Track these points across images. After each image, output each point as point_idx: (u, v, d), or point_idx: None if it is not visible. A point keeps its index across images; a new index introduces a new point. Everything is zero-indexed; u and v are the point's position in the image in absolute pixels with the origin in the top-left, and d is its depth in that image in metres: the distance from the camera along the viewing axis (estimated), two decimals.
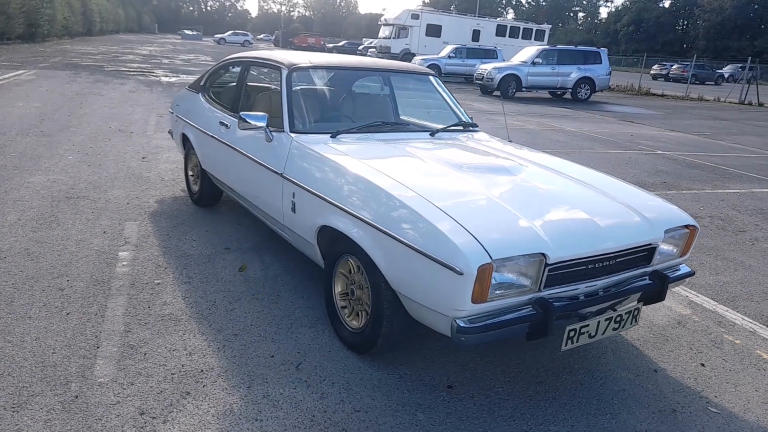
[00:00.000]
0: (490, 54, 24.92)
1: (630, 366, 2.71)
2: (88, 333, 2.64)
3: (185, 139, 4.72)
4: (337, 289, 2.77)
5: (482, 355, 2.70)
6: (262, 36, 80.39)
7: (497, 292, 2.05)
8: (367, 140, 3.18)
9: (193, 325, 2.78)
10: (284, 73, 3.41)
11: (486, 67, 18.95)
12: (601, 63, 19.17)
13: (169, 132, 5.40)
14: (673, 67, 41.81)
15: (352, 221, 2.44)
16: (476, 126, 3.80)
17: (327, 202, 2.62)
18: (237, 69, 4.18)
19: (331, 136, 3.12)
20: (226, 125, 3.82)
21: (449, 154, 3.15)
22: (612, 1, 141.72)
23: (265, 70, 3.81)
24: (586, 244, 2.22)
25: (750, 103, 23.22)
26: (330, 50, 50.60)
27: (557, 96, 19.87)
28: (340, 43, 53.95)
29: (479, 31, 30.51)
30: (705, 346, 2.96)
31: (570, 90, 18.90)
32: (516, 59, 19.35)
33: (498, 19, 38.07)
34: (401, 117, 4.03)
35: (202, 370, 2.42)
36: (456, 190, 2.45)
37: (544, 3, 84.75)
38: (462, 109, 3.98)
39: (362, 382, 2.42)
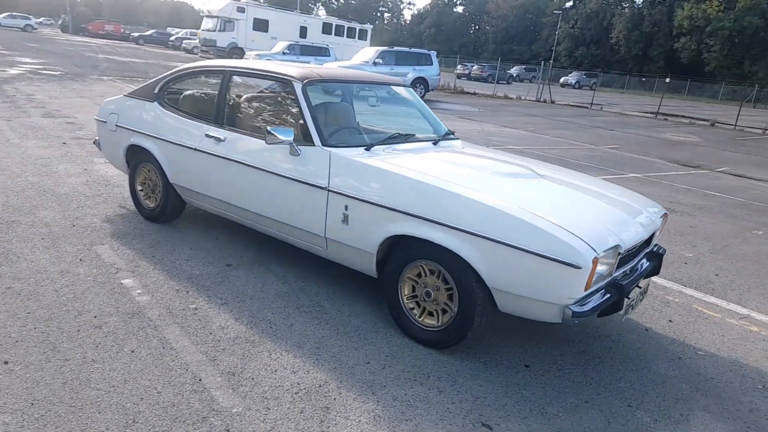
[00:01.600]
0: (322, 52, 25.46)
1: (631, 329, 3.40)
2: (175, 367, 2.51)
3: (133, 152, 4.37)
4: (405, 292, 2.99)
5: (541, 336, 3.15)
6: (41, 20, 68.60)
7: (593, 279, 2.51)
8: (398, 151, 3.41)
9: (271, 344, 2.79)
10: (298, 86, 3.46)
11: (330, 67, 19.46)
12: (432, 64, 20.90)
13: (95, 143, 4.90)
14: (474, 67, 46.56)
15: (441, 230, 2.70)
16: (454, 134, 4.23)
17: (401, 213, 2.82)
18: (212, 79, 4.04)
19: (365, 149, 3.29)
20: (218, 138, 3.70)
21: (477, 162, 3.55)
22: (414, 4, 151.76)
23: (265, 82, 3.78)
24: (634, 236, 2.81)
25: (545, 101, 27.10)
26: (137, 40, 46.64)
27: None
28: (147, 32, 50.03)
29: (306, 27, 30.82)
30: (661, 306, 3.79)
31: None
32: (357, 59, 20.13)
33: (323, 16, 38.76)
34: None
35: (320, 385, 2.49)
36: (527, 196, 2.85)
37: (353, 2, 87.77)
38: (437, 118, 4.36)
39: (462, 372, 2.71)
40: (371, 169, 3.04)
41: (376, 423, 2.28)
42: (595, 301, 2.55)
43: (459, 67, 49.48)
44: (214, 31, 28.87)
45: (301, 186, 3.25)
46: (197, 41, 32.51)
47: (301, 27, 30.56)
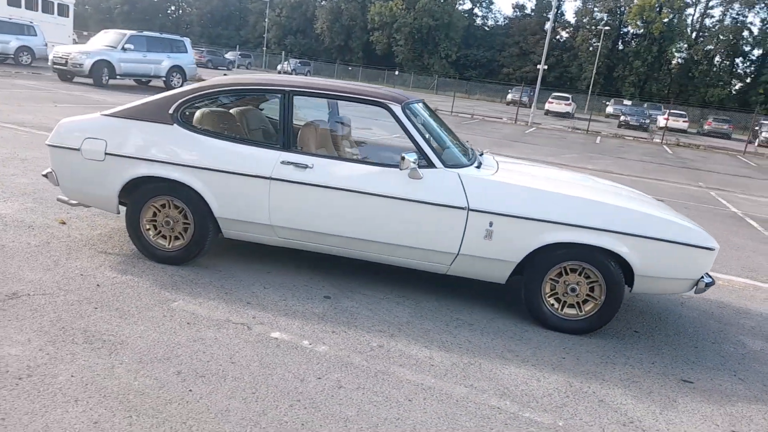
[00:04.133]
0: (24, 30, 21.37)
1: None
2: (492, 411, 2.56)
3: (139, 186, 3.65)
4: (546, 290, 3.47)
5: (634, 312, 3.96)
6: None
7: None
8: (499, 166, 3.80)
9: (476, 358, 2.98)
10: (397, 109, 3.53)
11: (69, 50, 16.70)
12: (186, 52, 19.60)
13: (45, 176, 3.82)
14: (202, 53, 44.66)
15: (595, 234, 3.27)
16: None
17: (554, 223, 3.29)
18: (268, 98, 3.69)
19: (476, 167, 3.60)
20: (302, 165, 3.47)
21: (558, 173, 4.19)
22: None
23: (348, 104, 3.65)
24: None
25: None
26: None
27: (143, 84, 19.22)
28: None
29: None
30: None
31: (164, 78, 18.66)
32: (99, 44, 17.60)
33: None
34: None
35: (590, 391, 2.86)
36: (627, 200, 3.61)
37: None
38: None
39: (614, 350, 3.36)
40: (516, 187, 3.40)
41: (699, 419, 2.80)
42: (707, 275, 3.48)
43: None
44: None
45: (431, 208, 3.38)
46: None
47: None
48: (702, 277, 3.36)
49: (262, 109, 4.32)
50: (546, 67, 25.95)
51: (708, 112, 42.55)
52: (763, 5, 50.95)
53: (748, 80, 51.89)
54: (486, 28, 65.30)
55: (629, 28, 53.70)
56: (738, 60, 52.94)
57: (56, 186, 3.85)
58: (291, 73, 53.10)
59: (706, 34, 53.32)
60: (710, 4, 53.07)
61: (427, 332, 3.24)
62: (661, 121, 34.53)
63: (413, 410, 2.45)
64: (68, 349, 2.59)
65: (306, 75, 42.47)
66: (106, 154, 3.64)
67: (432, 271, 3.60)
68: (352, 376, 2.66)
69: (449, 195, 3.37)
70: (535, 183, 3.50)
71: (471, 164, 3.59)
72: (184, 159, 3.57)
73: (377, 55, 63.28)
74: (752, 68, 52.45)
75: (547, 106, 36.18)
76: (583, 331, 3.46)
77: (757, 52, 52.28)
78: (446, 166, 3.45)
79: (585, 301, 3.45)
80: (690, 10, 53.02)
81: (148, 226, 3.76)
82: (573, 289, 3.43)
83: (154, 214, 3.74)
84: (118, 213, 3.85)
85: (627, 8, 52.52)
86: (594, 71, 46.38)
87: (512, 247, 3.36)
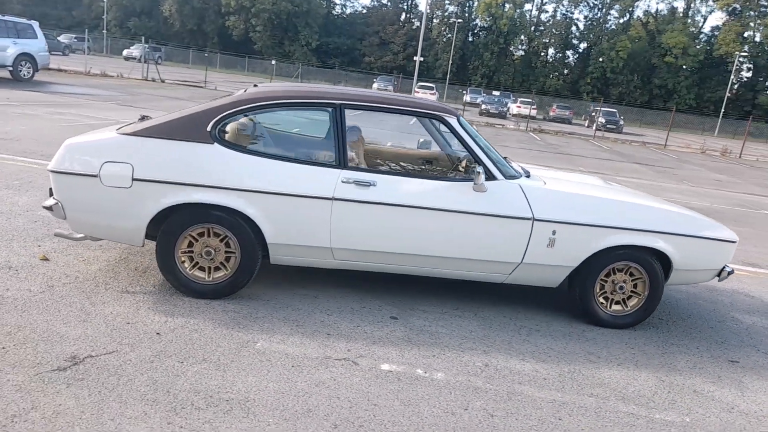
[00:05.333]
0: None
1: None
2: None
3: (174, 214, 3.23)
4: (597, 290, 3.70)
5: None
6: None
7: None
8: (543, 176, 3.93)
9: (571, 365, 3.12)
10: (453, 121, 3.52)
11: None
12: (36, 37, 17.19)
13: (50, 208, 3.20)
14: None
15: (646, 235, 3.56)
16: None
17: (612, 228, 3.52)
18: (316, 113, 3.44)
19: (526, 176, 3.70)
20: (364, 183, 3.32)
21: (581, 178, 4.39)
22: None
23: (400, 116, 3.51)
24: None
25: (154, 80, 25.78)
26: None
27: None
28: None
29: None
30: None
31: (10, 68, 16.21)
32: None
33: None
34: None
35: (680, 383, 3.10)
36: (659, 201, 3.95)
37: None
38: None
39: (662, 339, 3.70)
40: (574, 196, 3.57)
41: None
42: (727, 265, 3.93)
43: None
44: None
45: (498, 220, 3.43)
46: None
47: None
48: (724, 266, 3.81)
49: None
50: (422, 58, 26.86)
51: (549, 100, 47.12)
52: (585, 3, 57.40)
53: (577, 71, 58.23)
54: (345, 16, 65.66)
55: (479, 21, 57.39)
56: (569, 52, 59.16)
57: (62, 219, 3.25)
58: (140, 60, 48.86)
59: (542, 28, 58.81)
60: (544, 0, 58.57)
61: (509, 344, 3.30)
62: (514, 108, 37.65)
63: (572, 429, 2.51)
64: (200, 418, 2.25)
65: (157, 61, 38.98)
66: (133, 180, 3.15)
67: (488, 281, 3.66)
68: (492, 401, 2.65)
69: (515, 207, 3.44)
70: (587, 191, 3.70)
71: (522, 174, 3.69)
72: (232, 182, 3.22)
73: (234, 40, 60.71)
74: (580, 60, 58.94)
75: (414, 95, 37.50)
76: (630, 326, 3.75)
77: (583, 45, 58.86)
78: (505, 177, 3.51)
79: (629, 297, 3.74)
80: (528, 6, 58.06)
81: (183, 258, 3.33)
82: (621, 288, 3.70)
83: (190, 245, 3.33)
84: (143, 245, 3.37)
85: (476, 3, 56.03)
86: (450, 61, 48.94)
87: (572, 253, 3.53)
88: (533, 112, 37.74)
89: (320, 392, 2.54)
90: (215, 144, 3.25)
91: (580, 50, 59.09)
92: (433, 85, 39.45)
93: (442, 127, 3.55)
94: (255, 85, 3.56)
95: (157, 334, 2.89)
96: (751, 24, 53.51)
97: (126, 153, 3.17)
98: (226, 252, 3.36)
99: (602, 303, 3.73)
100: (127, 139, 3.21)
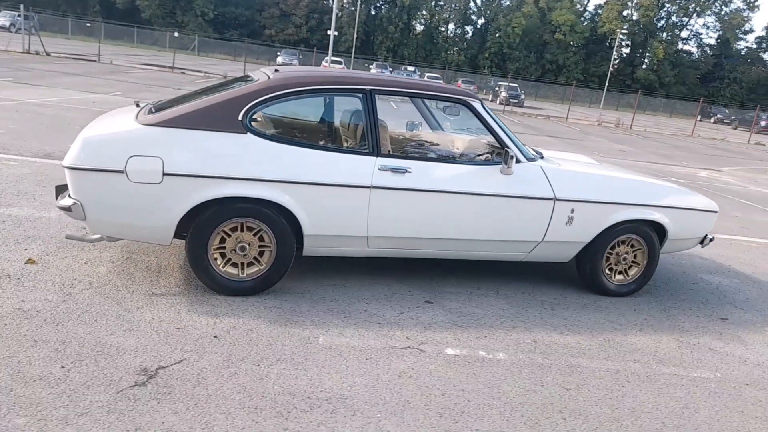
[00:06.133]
0: None
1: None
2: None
3: (201, 211, 3.05)
4: (604, 263, 3.97)
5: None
6: None
7: None
8: (555, 157, 4.09)
9: (604, 334, 3.36)
10: (478, 105, 3.59)
11: None
12: None
13: (67, 209, 2.89)
14: None
15: (650, 210, 3.85)
16: None
17: (622, 204, 3.78)
18: (347, 99, 3.35)
19: (541, 158, 3.86)
20: (400, 169, 3.32)
21: (582, 158, 4.59)
22: None
23: (430, 102, 3.50)
24: None
25: (37, 53, 23.35)
26: None
27: None
28: None
29: None
30: None
31: None
32: None
33: None
34: None
35: (695, 342, 3.42)
36: (654, 179, 4.27)
37: None
38: None
39: (659, 304, 4.06)
40: (590, 176, 3.79)
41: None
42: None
43: None
44: None
45: (524, 201, 3.58)
46: None
47: None
48: (706, 234, 4.23)
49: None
50: (336, 33, 26.39)
51: (453, 75, 48.35)
52: None
53: (476, 46, 60.10)
54: None
55: None
56: (468, 28, 60.81)
57: (81, 220, 2.96)
58: (10, 29, 43.65)
59: (442, 3, 59.84)
60: None
61: (542, 319, 3.48)
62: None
63: (638, 394, 2.72)
64: (311, 420, 2.19)
65: (31, 31, 35.07)
66: (164, 174, 2.92)
67: (510, 259, 3.81)
68: (560, 376, 2.80)
69: (538, 188, 3.59)
70: (596, 170, 3.94)
71: (539, 157, 3.84)
72: (268, 173, 3.08)
73: (119, 9, 56.18)
74: (478, 36, 60.82)
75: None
76: (632, 293, 4.07)
77: (480, 21, 60.72)
78: (527, 159, 3.64)
79: (630, 267, 4.05)
80: None
81: (215, 255, 3.16)
82: (624, 259, 4.00)
83: (222, 240, 3.16)
84: (170, 244, 3.15)
85: None
86: (355, 35, 48.58)
87: (587, 229, 3.76)
88: None
89: (407, 383, 2.56)
90: (248, 134, 3.08)
91: (478, 26, 60.93)
92: (341, 60, 39.04)
93: (466, 111, 3.59)
94: (276, 70, 3.39)
95: (215, 337, 2.74)
96: (629, 3, 57.90)
97: (154, 146, 2.93)
98: (259, 246, 3.23)
99: (608, 274, 4.01)
100: (154, 130, 2.96)
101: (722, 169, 14.36)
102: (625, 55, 60.23)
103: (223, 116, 3.06)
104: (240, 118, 3.08)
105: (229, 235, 3.16)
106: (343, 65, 37.58)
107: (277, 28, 56.51)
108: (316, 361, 2.64)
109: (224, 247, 3.17)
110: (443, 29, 59.52)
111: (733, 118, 44.35)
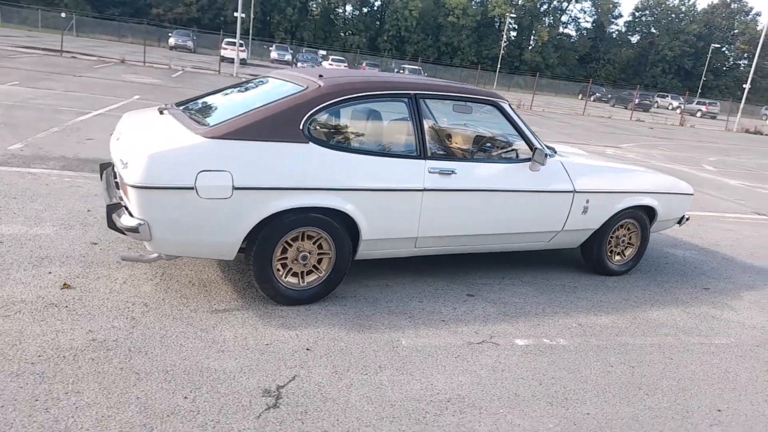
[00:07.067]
0: None
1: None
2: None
3: (266, 222, 3.01)
4: (607, 245, 4.37)
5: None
6: None
7: None
8: (564, 151, 4.38)
9: (625, 312, 3.74)
10: (506, 105, 3.79)
11: None
12: None
13: (131, 230, 2.72)
14: None
15: (648, 196, 4.27)
16: None
17: (628, 193, 4.17)
18: (393, 104, 3.40)
19: (555, 153, 4.15)
20: (446, 171, 3.45)
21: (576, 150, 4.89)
22: None
23: (463, 103, 3.63)
24: None
25: None
26: None
27: None
28: None
29: None
30: None
31: None
32: None
33: None
34: None
35: (698, 311, 3.87)
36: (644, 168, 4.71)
37: None
38: None
39: (651, 278, 4.53)
40: (601, 168, 4.14)
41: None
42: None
43: None
44: None
45: (550, 195, 3.85)
46: None
47: None
48: (684, 214, 4.76)
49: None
50: (243, 15, 25.34)
51: (354, 57, 48.29)
52: None
53: (375, 29, 60.34)
54: None
55: None
56: (365, 9, 60.79)
57: (146, 242, 2.79)
58: None
59: None
60: None
61: (572, 303, 3.78)
62: (326, 66, 38.02)
63: (686, 364, 3.10)
64: (449, 422, 2.30)
65: None
66: (234, 189, 2.83)
67: (532, 249, 4.08)
68: (620, 355, 3.11)
69: (561, 182, 3.88)
70: (602, 162, 4.30)
71: (554, 151, 4.12)
72: (333, 182, 3.08)
73: None
74: (377, 18, 61.06)
75: (222, 52, 35.35)
76: (628, 271, 4.51)
77: (378, 3, 60.95)
78: (550, 156, 3.91)
79: (626, 248, 4.48)
80: None
81: (278, 266, 3.12)
82: (623, 241, 4.42)
83: (283, 251, 3.13)
84: (233, 259, 3.06)
85: None
86: (252, 15, 46.91)
87: (598, 217, 4.11)
88: None
89: (503, 377, 2.73)
90: (309, 143, 3.05)
91: (375, 8, 61.13)
92: (243, 42, 37.58)
93: (495, 112, 3.76)
94: (320, 76, 3.35)
95: (307, 350, 2.74)
96: None
97: (222, 159, 2.82)
98: (318, 254, 3.23)
99: (609, 256, 4.42)
100: (219, 143, 2.84)
101: (622, 146, 15.75)
102: (513, 38, 63.31)
103: (285, 126, 3.00)
104: (301, 127, 3.04)
105: (291, 245, 3.13)
106: (244, 47, 36.25)
107: (165, 6, 52.97)
108: (414, 364, 2.73)
109: (286, 258, 3.14)
110: (340, 11, 59.07)
111: (610, 96, 48.46)
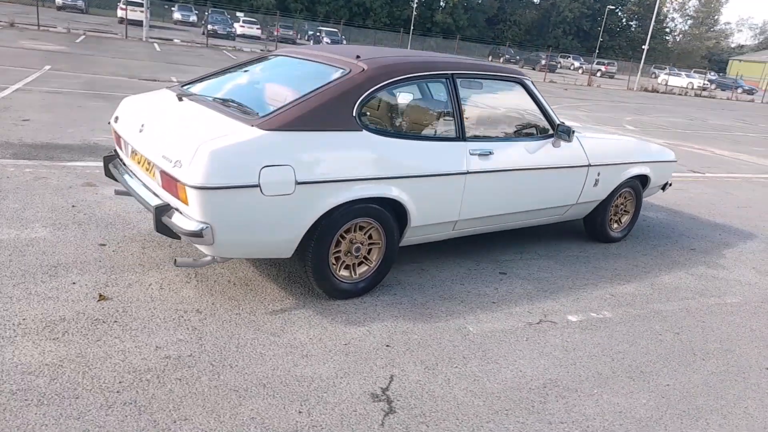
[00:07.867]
0: None
1: None
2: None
3: (337, 215, 2.87)
4: (609, 216, 4.56)
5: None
6: None
7: None
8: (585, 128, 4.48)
9: (643, 280, 3.96)
10: (529, 82, 3.80)
11: None
12: None
13: (195, 234, 2.48)
14: None
15: (646, 166, 4.49)
16: None
17: (632, 163, 4.36)
18: (433, 84, 3.30)
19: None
20: (485, 153, 3.42)
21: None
22: None
23: (486, 82, 3.57)
24: None
25: None
26: None
27: None
28: None
29: None
30: None
31: None
32: None
33: None
34: None
35: (698, 273, 4.15)
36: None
37: None
38: None
39: (642, 245, 4.80)
40: (612, 140, 4.30)
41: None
42: None
43: None
44: None
45: (570, 170, 3.95)
46: None
47: None
48: (667, 181, 5.06)
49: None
50: None
51: (263, 18, 46.28)
52: None
53: None
54: None
55: None
56: None
57: (208, 246, 2.56)
58: None
59: None
60: None
61: (594, 274, 3.93)
62: (238, 29, 36.22)
63: (715, 324, 3.34)
64: (548, 410, 2.35)
65: None
66: (296, 183, 2.65)
67: (549, 222, 4.18)
68: (663, 323, 3.28)
69: (579, 157, 3.97)
70: (608, 135, 4.43)
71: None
72: (388, 170, 2.96)
73: None
74: None
75: (119, 13, 32.60)
76: (625, 237, 4.76)
77: None
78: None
79: (622, 216, 4.71)
80: None
81: (332, 261, 2.99)
82: (621, 209, 4.64)
83: (337, 244, 3.00)
84: (290, 257, 2.88)
85: None
86: None
87: (607, 188, 4.28)
88: (257, 32, 37.08)
89: (579, 356, 2.80)
90: (363, 131, 2.90)
91: None
92: (143, 2, 34.79)
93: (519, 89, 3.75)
94: (358, 57, 3.15)
95: (387, 346, 2.67)
96: None
97: (282, 153, 2.61)
98: (369, 244, 3.12)
99: (609, 224, 4.62)
100: (277, 135, 2.63)
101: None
102: (424, 0, 63.26)
103: (338, 114, 2.82)
104: (354, 114, 2.87)
105: (344, 237, 3.00)
106: (143, 8, 33.61)
107: None
108: (493, 351, 2.74)
109: (339, 251, 3.01)
110: None
111: (518, 57, 50.03)
